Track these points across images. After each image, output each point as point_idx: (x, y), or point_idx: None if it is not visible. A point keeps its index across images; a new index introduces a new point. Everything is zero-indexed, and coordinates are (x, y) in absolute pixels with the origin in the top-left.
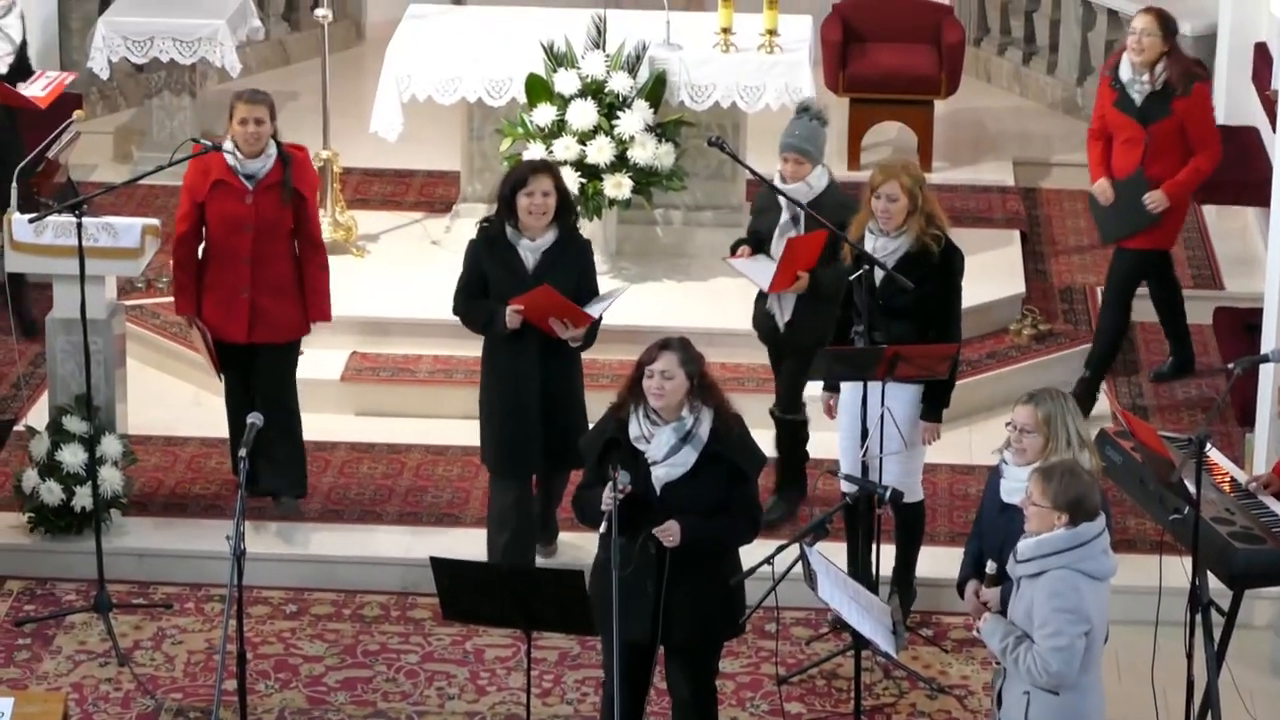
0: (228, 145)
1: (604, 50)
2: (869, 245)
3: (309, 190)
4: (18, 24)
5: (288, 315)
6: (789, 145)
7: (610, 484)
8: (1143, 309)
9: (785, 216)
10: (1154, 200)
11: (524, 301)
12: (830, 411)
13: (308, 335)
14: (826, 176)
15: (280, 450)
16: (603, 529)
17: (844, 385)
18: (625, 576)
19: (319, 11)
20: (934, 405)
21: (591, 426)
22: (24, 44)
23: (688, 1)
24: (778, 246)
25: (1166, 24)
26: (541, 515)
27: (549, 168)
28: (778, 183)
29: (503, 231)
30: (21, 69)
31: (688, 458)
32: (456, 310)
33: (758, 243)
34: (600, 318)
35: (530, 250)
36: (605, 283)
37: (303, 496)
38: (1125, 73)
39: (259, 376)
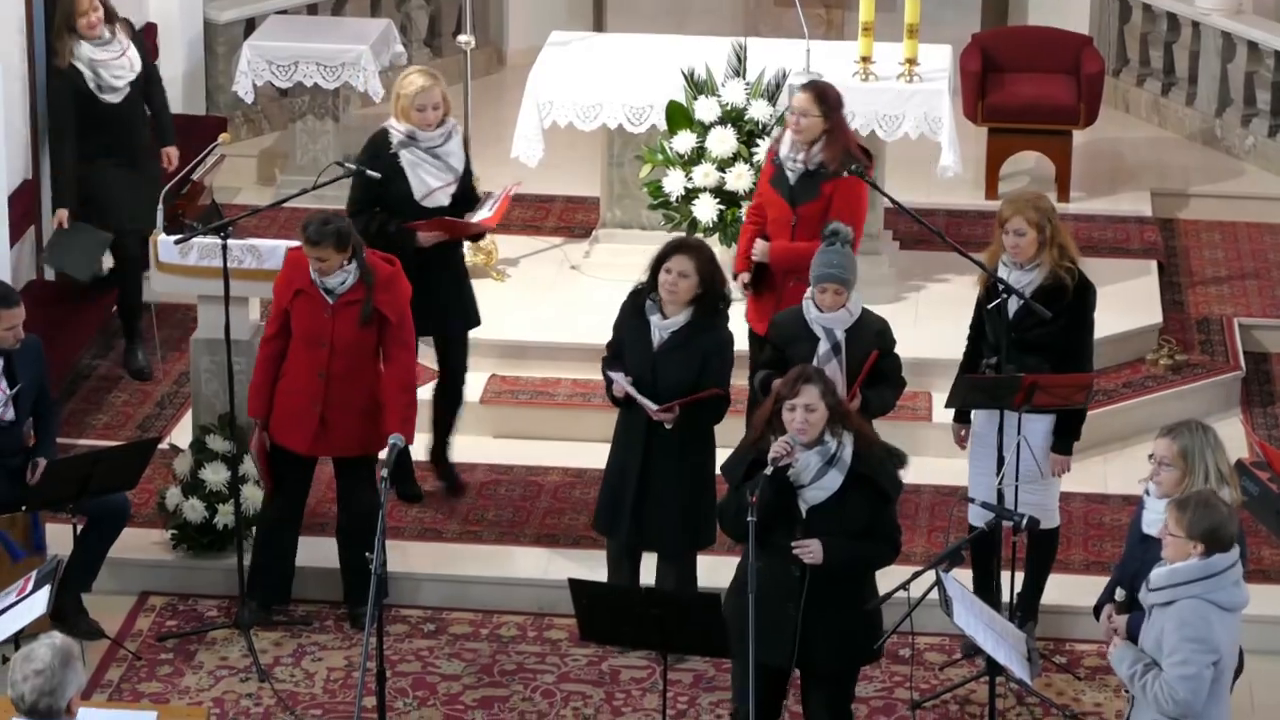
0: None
1: (744, 78)
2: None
3: (394, 312)
4: (459, 152)
5: (358, 432)
6: (831, 276)
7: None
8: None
9: (825, 346)
10: (758, 249)
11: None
12: (961, 442)
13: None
14: (860, 302)
15: (358, 561)
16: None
17: (977, 414)
18: (766, 599)
19: (462, 38)
20: (1065, 438)
21: (729, 454)
22: (468, 172)
23: (827, 30)
24: None
25: (825, 101)
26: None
27: (693, 249)
28: (814, 313)
29: (645, 300)
30: (465, 198)
31: (834, 480)
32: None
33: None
34: (714, 397)
35: (659, 327)
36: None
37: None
38: (784, 150)
39: (341, 490)
